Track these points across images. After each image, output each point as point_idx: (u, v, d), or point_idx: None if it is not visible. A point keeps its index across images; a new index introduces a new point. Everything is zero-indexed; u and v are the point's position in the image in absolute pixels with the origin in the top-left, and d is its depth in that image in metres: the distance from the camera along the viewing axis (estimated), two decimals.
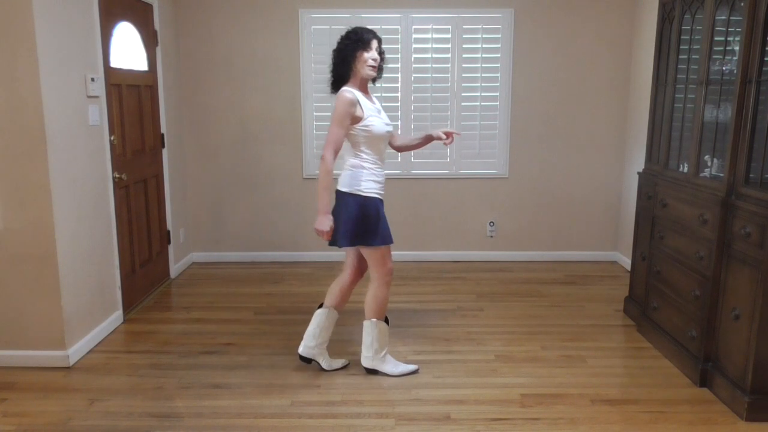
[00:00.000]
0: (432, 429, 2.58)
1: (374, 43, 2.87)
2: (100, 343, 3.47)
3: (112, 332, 3.61)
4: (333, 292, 3.12)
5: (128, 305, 3.88)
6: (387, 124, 2.94)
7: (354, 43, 2.84)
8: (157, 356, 3.30)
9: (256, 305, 4.07)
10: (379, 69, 2.94)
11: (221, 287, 4.44)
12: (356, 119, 2.81)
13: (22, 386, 2.95)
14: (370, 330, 3.01)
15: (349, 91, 2.81)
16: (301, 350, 3.11)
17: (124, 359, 3.27)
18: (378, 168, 2.90)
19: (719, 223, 2.77)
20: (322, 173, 2.78)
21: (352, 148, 2.88)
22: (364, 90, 2.94)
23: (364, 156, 2.87)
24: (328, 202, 2.80)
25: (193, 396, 2.86)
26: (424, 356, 3.28)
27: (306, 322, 3.73)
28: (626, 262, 4.74)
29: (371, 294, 3.01)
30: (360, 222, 2.83)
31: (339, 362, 3.14)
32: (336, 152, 2.79)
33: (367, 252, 2.93)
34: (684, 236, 3.10)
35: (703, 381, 2.92)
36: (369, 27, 2.97)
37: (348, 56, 2.85)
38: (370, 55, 2.85)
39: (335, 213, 2.88)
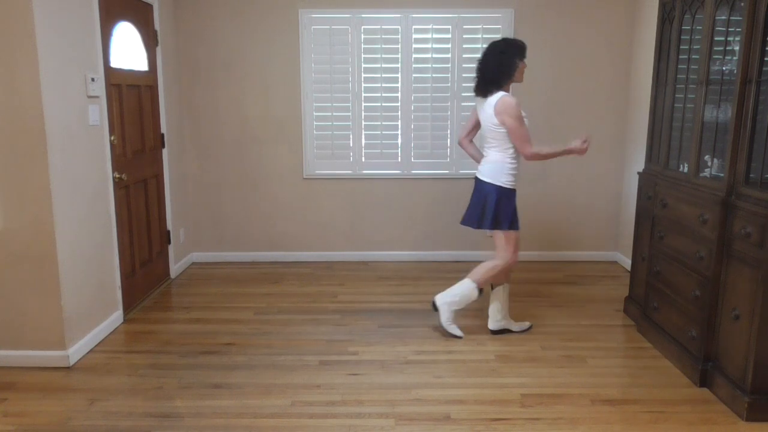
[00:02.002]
0: (432, 429, 2.59)
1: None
2: (100, 343, 3.47)
3: (112, 332, 3.62)
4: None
5: (128, 305, 3.88)
6: None
7: (519, 52, 3.22)
8: (157, 356, 3.30)
9: (256, 305, 4.07)
10: None
11: (221, 287, 4.45)
12: None
13: (22, 386, 2.95)
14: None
15: (511, 96, 3.19)
16: (491, 326, 3.55)
17: (124, 359, 3.27)
18: (516, 163, 3.30)
19: (719, 223, 2.77)
20: (545, 151, 3.24)
21: (499, 144, 3.25)
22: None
23: (510, 152, 3.25)
24: (557, 148, 3.29)
25: (193, 396, 2.86)
26: (424, 356, 3.28)
27: (306, 322, 3.75)
28: (626, 262, 4.74)
29: (489, 266, 3.41)
30: (497, 209, 3.27)
31: (525, 324, 3.62)
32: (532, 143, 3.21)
33: (498, 235, 3.35)
34: (684, 236, 3.10)
35: (703, 381, 2.92)
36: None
37: (512, 63, 3.20)
38: (524, 65, 3.26)
39: (476, 199, 3.35)
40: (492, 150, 3.29)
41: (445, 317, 3.46)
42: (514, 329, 3.57)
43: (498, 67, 3.19)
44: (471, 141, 3.52)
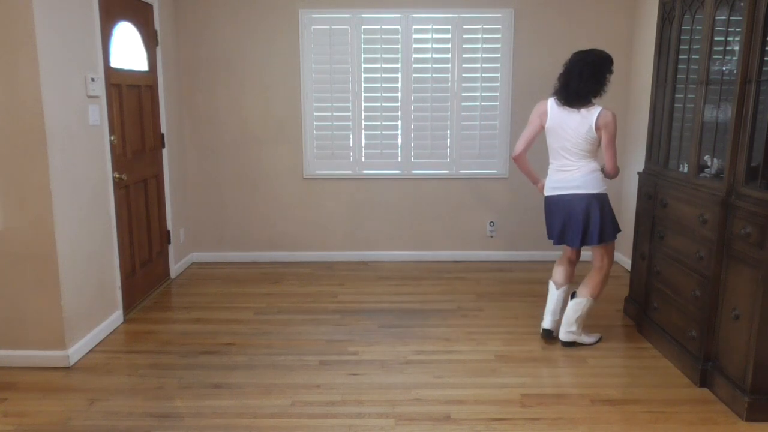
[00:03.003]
0: (432, 429, 2.58)
1: None
2: (100, 343, 3.47)
3: (112, 332, 3.61)
4: (561, 274, 3.45)
5: (128, 305, 3.88)
6: None
7: (611, 65, 3.18)
8: (157, 356, 3.30)
9: (256, 305, 4.07)
10: None
11: (221, 287, 4.44)
12: None
13: (22, 386, 2.95)
14: (582, 306, 3.31)
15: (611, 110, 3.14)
16: (563, 337, 3.39)
17: (124, 359, 3.27)
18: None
19: (719, 223, 2.77)
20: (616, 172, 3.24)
21: (590, 154, 3.19)
22: None
23: (597, 161, 3.22)
24: None
25: (193, 396, 2.86)
26: (424, 356, 3.28)
27: (306, 322, 3.75)
28: (626, 262, 4.74)
29: (597, 279, 3.31)
30: (612, 217, 3.23)
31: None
32: None
33: (609, 244, 3.27)
34: (684, 236, 3.10)
35: (703, 381, 2.92)
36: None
37: (607, 78, 3.16)
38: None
39: (576, 215, 3.17)
40: (583, 160, 3.17)
41: (588, 340, 3.40)
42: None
43: (597, 79, 3.11)
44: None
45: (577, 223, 3.18)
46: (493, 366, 3.17)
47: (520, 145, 3.34)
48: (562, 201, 3.22)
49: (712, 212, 2.82)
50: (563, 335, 3.38)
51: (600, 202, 3.17)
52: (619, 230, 3.26)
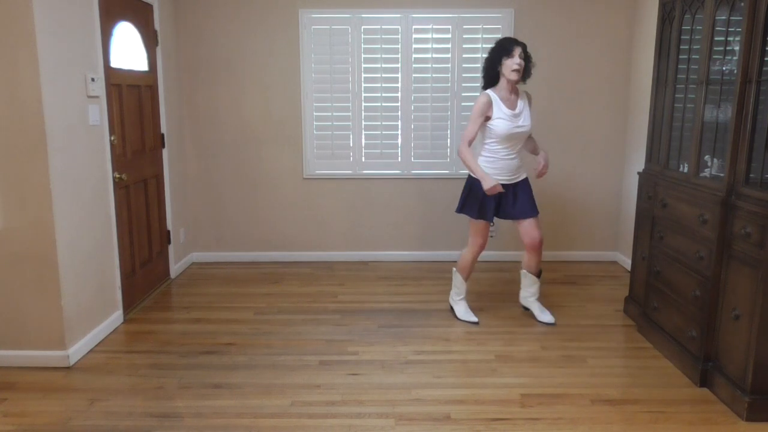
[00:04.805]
0: (432, 429, 2.59)
1: (517, 50, 3.34)
2: (100, 343, 3.47)
3: (112, 332, 3.62)
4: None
5: (128, 305, 3.88)
6: (517, 126, 3.42)
7: (498, 52, 3.35)
8: (157, 356, 3.30)
9: (256, 305, 4.07)
10: (526, 71, 3.41)
11: (221, 287, 4.45)
12: (488, 118, 3.41)
13: (22, 386, 2.95)
14: (453, 277, 3.82)
15: (485, 94, 3.39)
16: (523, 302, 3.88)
17: (124, 359, 3.27)
18: (493, 158, 3.46)
19: (719, 223, 2.77)
20: (465, 156, 3.41)
21: (483, 138, 3.48)
22: (513, 90, 3.46)
23: (487, 147, 3.47)
24: (481, 169, 3.42)
25: (193, 396, 2.86)
26: (424, 356, 3.28)
27: (306, 322, 3.75)
28: (626, 262, 4.74)
29: (462, 254, 3.76)
30: (466, 196, 3.54)
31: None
32: (469, 144, 3.41)
33: (470, 223, 3.62)
34: (684, 236, 3.10)
35: (703, 381, 2.92)
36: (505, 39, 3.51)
37: (494, 63, 3.38)
38: (514, 61, 3.33)
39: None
40: (479, 142, 3.52)
41: (459, 311, 3.79)
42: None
43: (485, 67, 3.44)
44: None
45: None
46: (493, 366, 3.17)
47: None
48: None
49: (712, 212, 2.82)
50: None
51: (467, 180, 3.54)
52: (477, 217, 3.52)
